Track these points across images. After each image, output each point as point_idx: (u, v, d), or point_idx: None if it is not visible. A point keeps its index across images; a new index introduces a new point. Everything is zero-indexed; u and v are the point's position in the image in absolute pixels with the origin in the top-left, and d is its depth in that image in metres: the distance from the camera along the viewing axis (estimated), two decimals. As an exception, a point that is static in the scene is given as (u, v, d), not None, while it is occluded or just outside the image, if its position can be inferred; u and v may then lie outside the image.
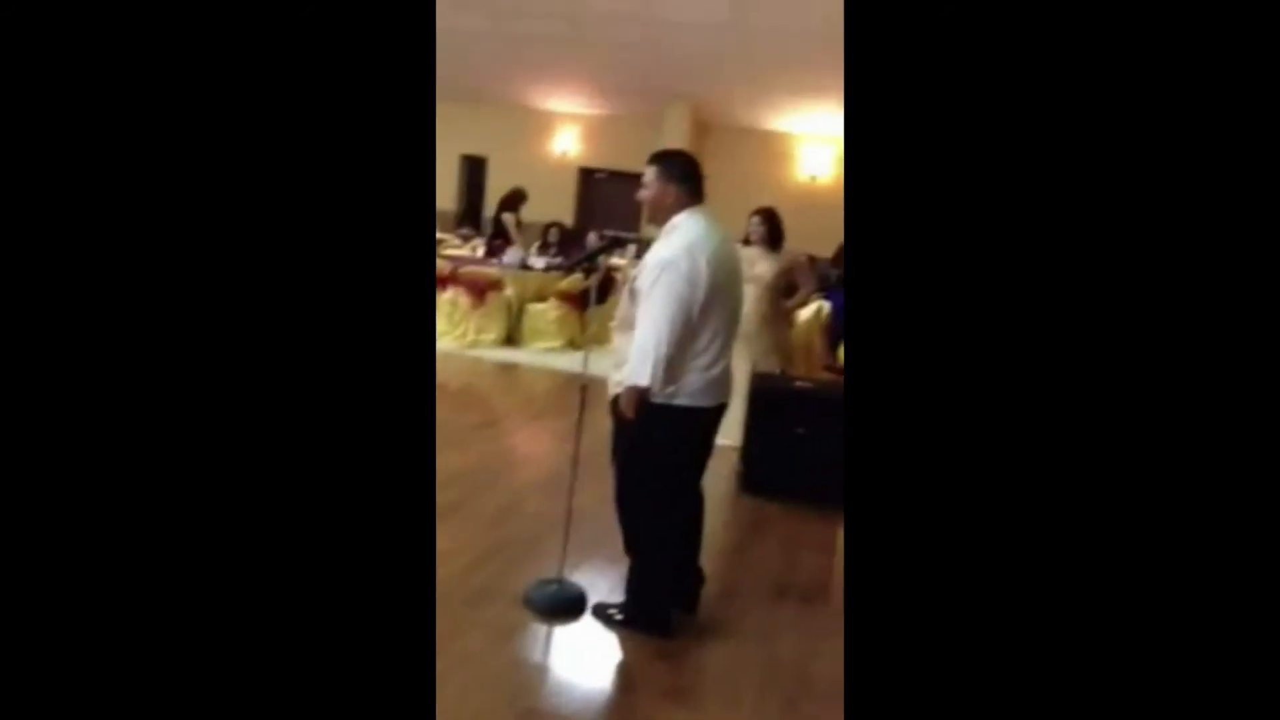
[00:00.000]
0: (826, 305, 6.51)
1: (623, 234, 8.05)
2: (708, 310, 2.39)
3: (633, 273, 2.55)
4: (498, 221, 8.16)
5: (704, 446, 2.62)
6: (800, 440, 3.95)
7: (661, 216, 2.52)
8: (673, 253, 2.37)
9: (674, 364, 2.38)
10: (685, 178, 2.50)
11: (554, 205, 10.89)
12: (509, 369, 6.50)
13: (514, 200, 8.17)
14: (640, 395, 2.39)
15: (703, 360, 2.43)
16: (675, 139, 9.47)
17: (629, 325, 2.47)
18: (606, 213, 10.85)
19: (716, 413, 2.56)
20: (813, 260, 7.87)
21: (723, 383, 2.52)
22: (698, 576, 2.78)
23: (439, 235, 9.17)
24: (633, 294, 2.48)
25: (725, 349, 2.49)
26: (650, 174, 2.52)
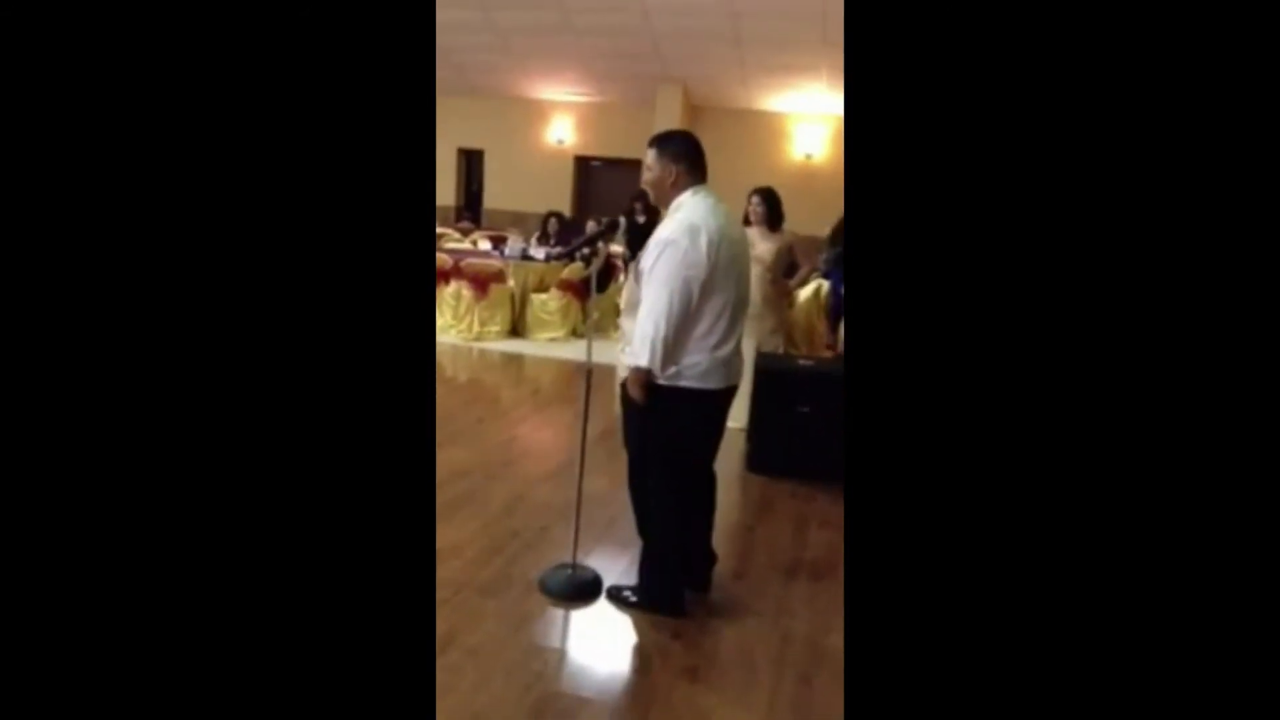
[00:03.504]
0: (825, 284, 6.52)
1: (620, 218, 8.01)
2: (711, 290, 2.37)
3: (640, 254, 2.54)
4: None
5: (715, 428, 2.59)
6: (805, 419, 3.98)
7: (665, 198, 2.50)
8: (673, 232, 2.36)
9: (675, 344, 2.37)
10: (687, 156, 2.47)
11: (552, 195, 10.90)
12: (514, 359, 6.52)
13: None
14: (645, 377, 2.40)
15: (709, 341, 2.41)
16: (669, 122, 9.45)
17: (636, 306, 2.47)
18: (604, 201, 10.85)
19: (727, 395, 2.53)
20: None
21: (732, 364, 2.49)
22: (710, 557, 2.81)
23: (440, 230, 9.20)
24: (638, 275, 2.47)
25: (733, 329, 2.46)
26: (651, 156, 2.49)
